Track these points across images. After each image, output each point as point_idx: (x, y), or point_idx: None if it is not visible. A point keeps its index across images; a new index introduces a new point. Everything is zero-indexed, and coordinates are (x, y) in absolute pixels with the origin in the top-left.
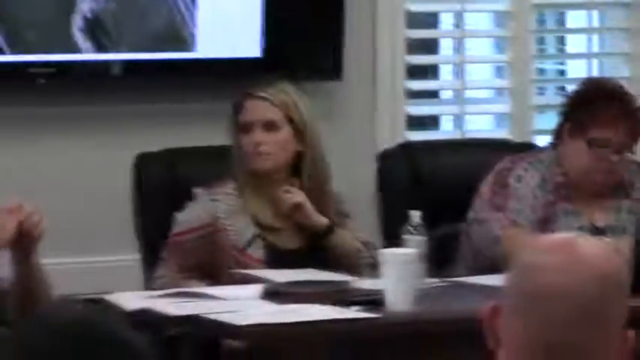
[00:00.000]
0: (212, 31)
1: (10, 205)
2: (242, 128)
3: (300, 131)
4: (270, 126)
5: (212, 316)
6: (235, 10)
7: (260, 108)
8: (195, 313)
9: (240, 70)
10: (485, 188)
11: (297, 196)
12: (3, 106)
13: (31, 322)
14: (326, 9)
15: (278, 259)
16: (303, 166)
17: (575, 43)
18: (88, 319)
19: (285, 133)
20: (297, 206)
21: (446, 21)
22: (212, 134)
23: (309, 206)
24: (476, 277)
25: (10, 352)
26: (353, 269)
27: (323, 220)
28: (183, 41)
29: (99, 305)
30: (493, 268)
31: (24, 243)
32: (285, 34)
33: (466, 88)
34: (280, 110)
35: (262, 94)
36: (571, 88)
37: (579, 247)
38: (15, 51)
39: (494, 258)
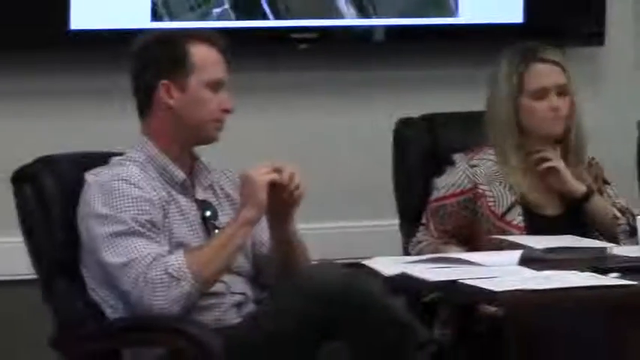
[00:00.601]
0: None
1: (271, 165)
2: (536, 94)
3: (572, 97)
4: (562, 91)
5: (469, 282)
6: None
7: (554, 72)
8: (453, 278)
9: (502, 35)
10: None
11: (557, 161)
12: (266, 71)
13: (289, 287)
14: None
15: (537, 225)
16: (570, 133)
17: None
18: (349, 284)
19: (570, 98)
20: (554, 170)
21: None
22: (472, 100)
23: (567, 172)
24: None
25: (269, 315)
26: (611, 236)
27: (580, 187)
28: (446, 6)
29: (359, 271)
30: None
31: (282, 206)
32: (548, 0)
33: None
34: (566, 75)
35: (554, 59)
36: None
37: None
38: (278, 16)
39: None
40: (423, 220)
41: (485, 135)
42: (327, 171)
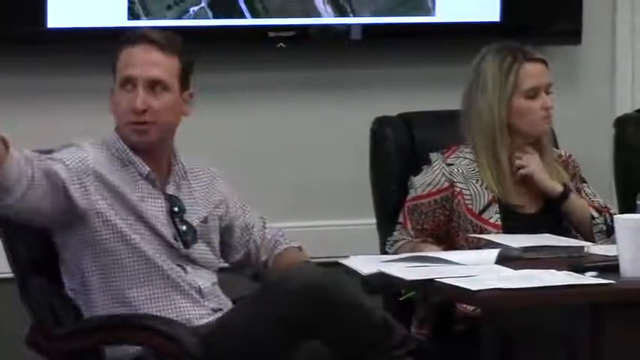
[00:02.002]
0: None
1: None
2: (529, 93)
3: None
4: (548, 90)
5: (447, 281)
6: None
7: (544, 71)
8: (430, 277)
9: (478, 34)
10: None
11: (533, 165)
12: (243, 70)
13: (266, 286)
14: None
15: (514, 223)
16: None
17: None
18: (326, 283)
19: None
20: (529, 173)
21: None
22: (449, 99)
23: (541, 174)
24: None
25: (246, 314)
26: (588, 235)
27: (557, 187)
28: (423, 5)
29: (336, 269)
30: None
31: None
32: None
33: None
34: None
35: (542, 57)
36: None
37: None
38: (255, 15)
39: None
40: (400, 219)
41: (462, 133)
42: (303, 169)
